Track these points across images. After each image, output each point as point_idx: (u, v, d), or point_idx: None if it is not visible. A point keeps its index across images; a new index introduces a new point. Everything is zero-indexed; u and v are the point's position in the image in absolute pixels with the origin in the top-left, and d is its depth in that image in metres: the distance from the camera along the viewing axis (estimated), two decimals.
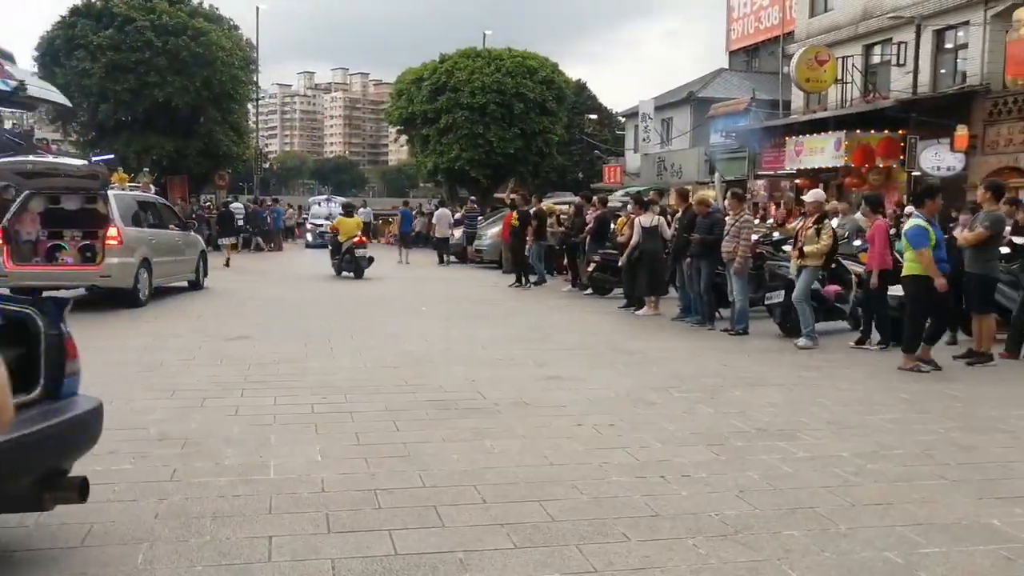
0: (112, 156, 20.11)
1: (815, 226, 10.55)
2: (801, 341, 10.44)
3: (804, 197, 12.32)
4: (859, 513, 4.67)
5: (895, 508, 4.76)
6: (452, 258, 26.03)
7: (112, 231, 13.04)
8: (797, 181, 25.24)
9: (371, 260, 19.41)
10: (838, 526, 4.47)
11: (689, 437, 6.16)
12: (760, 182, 28.54)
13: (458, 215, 28.23)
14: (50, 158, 14.88)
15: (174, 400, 6.99)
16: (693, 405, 7.18)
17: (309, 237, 34.04)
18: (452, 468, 5.31)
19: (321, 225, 32.77)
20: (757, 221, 14.79)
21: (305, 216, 39.63)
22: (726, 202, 13.05)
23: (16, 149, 45.00)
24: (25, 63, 37.43)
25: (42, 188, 13.54)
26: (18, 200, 13.46)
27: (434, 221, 27.34)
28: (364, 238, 20.06)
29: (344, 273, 19.34)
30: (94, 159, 16.08)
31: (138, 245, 13.54)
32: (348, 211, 21.68)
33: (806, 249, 10.53)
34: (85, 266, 13.21)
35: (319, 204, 38.93)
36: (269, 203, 35.47)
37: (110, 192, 13.76)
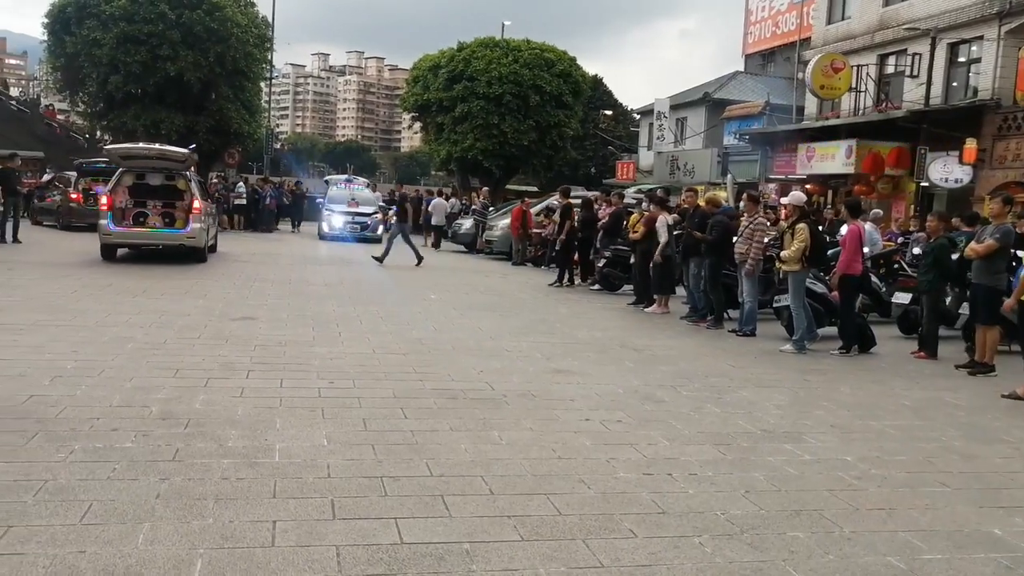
0: (195, 146, 20.86)
1: (791, 229, 10.54)
2: (785, 346, 10.43)
3: (783, 199, 12.28)
4: (863, 517, 4.68)
5: (898, 513, 4.78)
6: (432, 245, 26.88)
7: (196, 203, 16.70)
8: (808, 186, 25.18)
9: None
10: (842, 529, 4.48)
11: (696, 436, 6.14)
12: (771, 185, 28.48)
13: (474, 205, 28.26)
14: (156, 145, 18.68)
15: (178, 379, 6.96)
16: (700, 404, 7.16)
17: (325, 226, 27.54)
18: (459, 458, 5.29)
19: (344, 213, 27.56)
20: (768, 224, 14.74)
21: (320, 199, 32.38)
22: (741, 204, 13.00)
23: (22, 117, 45.11)
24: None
25: (133, 167, 17.14)
26: (115, 176, 17.25)
27: (430, 209, 28.02)
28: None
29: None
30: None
31: (206, 215, 17.60)
32: None
33: (782, 254, 10.53)
34: (177, 229, 16.62)
35: (339, 186, 30.77)
36: (292, 186, 35.44)
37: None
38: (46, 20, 34.77)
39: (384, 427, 5.88)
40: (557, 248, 17.64)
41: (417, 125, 47.11)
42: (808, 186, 25.33)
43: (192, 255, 16.74)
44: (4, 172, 20.30)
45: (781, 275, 11.07)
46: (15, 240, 19.29)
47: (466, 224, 26.55)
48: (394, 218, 20.66)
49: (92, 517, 4.08)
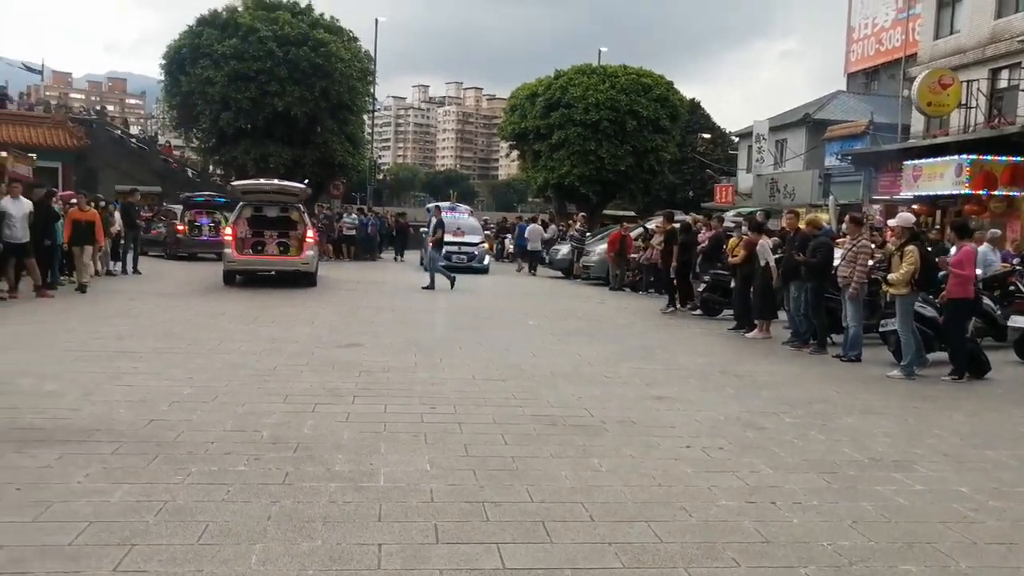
0: (307, 180, 22.42)
1: (899, 251, 10.19)
2: (893, 372, 10.08)
3: (891, 221, 11.87)
4: (980, 552, 4.49)
5: (1020, 548, 4.59)
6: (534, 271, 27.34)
7: (310, 232, 18.74)
8: (914, 207, 24.33)
9: None
10: (958, 564, 4.31)
11: (800, 463, 6.01)
12: (876, 207, 27.64)
13: (571, 231, 28.33)
14: (276, 181, 20.52)
15: (287, 404, 7.20)
16: (804, 431, 7.00)
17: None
18: (560, 484, 5.31)
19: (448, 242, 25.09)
20: (873, 246, 14.32)
21: (423, 229, 30.15)
22: (843, 226, 12.68)
23: (141, 154, 47.49)
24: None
25: (253, 201, 19.15)
26: (236, 209, 19.28)
27: (526, 235, 28.45)
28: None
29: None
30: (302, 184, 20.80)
31: (316, 243, 19.47)
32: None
33: (889, 277, 10.19)
34: (291, 256, 18.52)
35: (444, 215, 29.78)
36: (395, 216, 36.27)
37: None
38: (163, 61, 36.69)
39: (485, 452, 5.96)
40: (671, 275, 16.90)
41: (514, 153, 47.60)
42: (915, 206, 24.47)
43: (305, 279, 18.39)
44: (125, 206, 21.46)
45: (888, 298, 10.73)
46: (135, 271, 20.33)
47: (563, 250, 26.62)
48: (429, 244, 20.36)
49: (208, 537, 4.26)
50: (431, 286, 19.02)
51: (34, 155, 27.52)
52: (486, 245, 27.05)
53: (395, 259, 32.13)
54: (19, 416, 6.42)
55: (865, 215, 17.33)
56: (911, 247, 10.10)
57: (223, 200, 28.26)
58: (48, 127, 37.70)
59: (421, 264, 26.57)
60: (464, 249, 25.95)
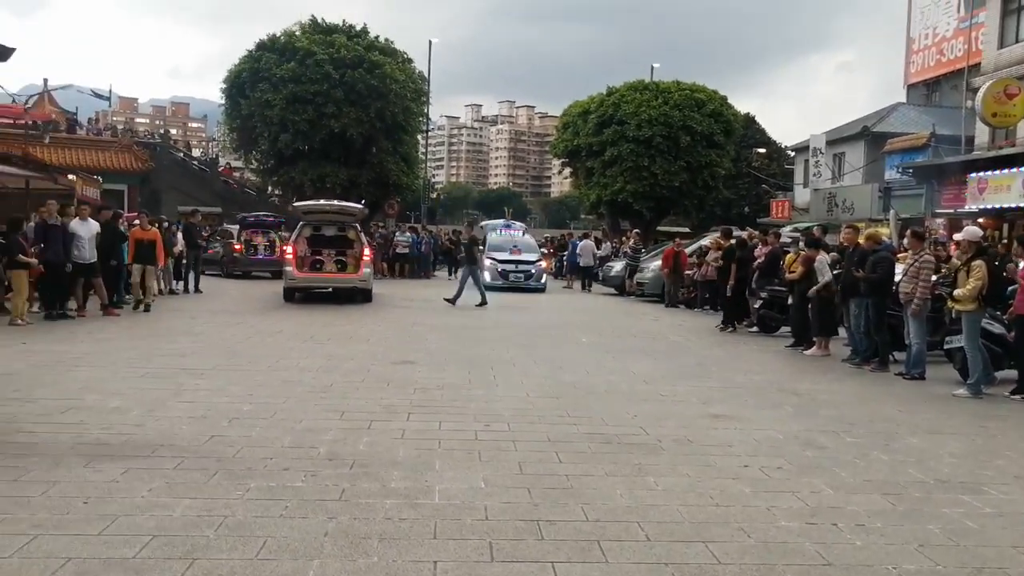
0: (364, 201, 23.30)
1: (966, 266, 9.92)
2: (959, 390, 9.81)
3: (957, 235, 11.58)
4: None
5: None
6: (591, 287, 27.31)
7: (366, 251, 19.59)
8: (980, 220, 23.73)
9: None
10: None
11: (862, 484, 5.88)
12: (939, 221, 27.01)
13: (625, 248, 28.22)
14: (336, 201, 21.74)
15: (344, 421, 7.28)
16: (866, 451, 6.85)
17: (487, 276, 23.74)
18: (615, 503, 5.27)
19: (507, 261, 25.34)
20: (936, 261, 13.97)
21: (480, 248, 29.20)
22: (904, 241, 12.41)
23: (203, 176, 48.89)
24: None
25: (312, 220, 20.16)
26: (297, 229, 20.30)
27: (579, 251, 28.32)
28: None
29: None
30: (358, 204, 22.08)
31: (372, 261, 20.61)
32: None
33: (956, 293, 9.92)
34: (349, 274, 19.30)
35: (499, 232, 28.54)
36: (449, 234, 36.54)
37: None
38: (224, 85, 37.65)
39: (539, 471, 5.94)
40: (728, 292, 16.61)
41: (567, 170, 47.70)
42: (981, 220, 23.87)
43: (361, 296, 19.16)
44: (187, 227, 21.96)
45: (954, 315, 10.46)
46: (197, 290, 20.77)
47: (616, 266, 26.49)
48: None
49: (267, 553, 4.31)
50: (483, 302, 19.19)
51: (101, 178, 28.40)
52: (543, 263, 26.40)
53: (449, 277, 32.27)
54: (86, 432, 6.59)
55: (927, 229, 16.95)
56: (979, 262, 9.85)
57: (278, 220, 29.34)
58: (115, 151, 38.87)
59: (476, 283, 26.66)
60: (521, 268, 25.37)
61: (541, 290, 24.84)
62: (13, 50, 24.43)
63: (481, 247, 25.41)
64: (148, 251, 16.48)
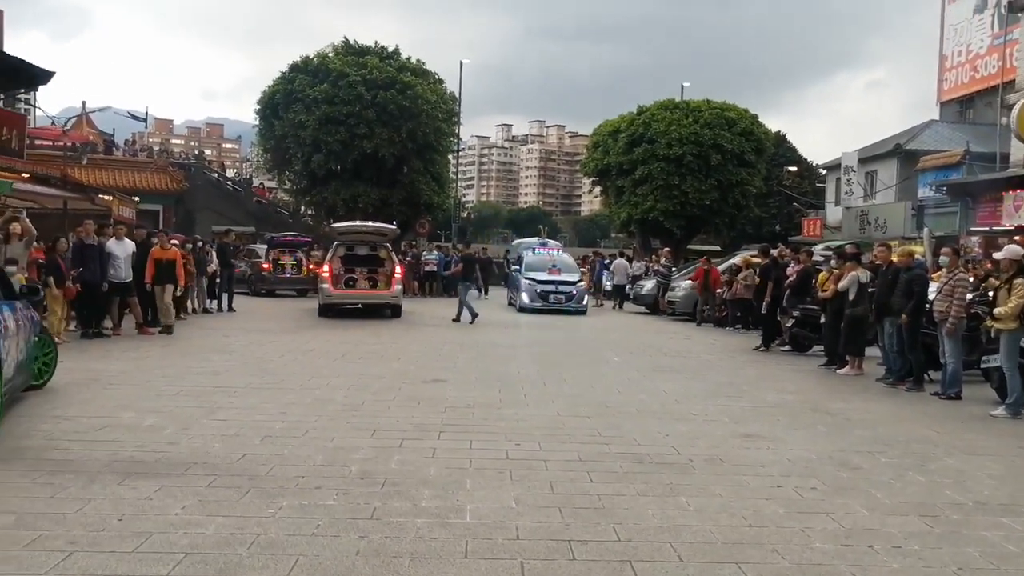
0: (396, 222, 24.14)
1: (1006, 285, 9.76)
2: (997, 410, 9.63)
3: (997, 254, 11.39)
4: None
5: None
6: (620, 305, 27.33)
7: (398, 269, 20.96)
8: (1016, 238, 23.39)
9: None
10: None
11: (899, 506, 5.79)
12: (974, 239, 26.65)
13: (656, 266, 28.12)
14: (370, 223, 22.90)
15: (375, 440, 7.30)
16: (902, 472, 6.74)
17: (525, 297, 23.60)
18: (647, 523, 5.23)
19: (546, 281, 23.75)
20: (972, 279, 13.74)
21: (514, 266, 29.14)
22: (940, 259, 12.24)
23: (236, 195, 49.67)
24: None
25: (346, 240, 21.21)
26: (332, 249, 21.28)
27: (612, 269, 28.36)
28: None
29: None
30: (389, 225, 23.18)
31: (403, 278, 22.02)
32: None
33: (996, 311, 9.75)
34: (381, 291, 20.46)
35: (535, 251, 27.05)
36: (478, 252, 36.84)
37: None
38: (258, 107, 38.14)
39: (570, 490, 5.92)
40: (764, 311, 16.35)
41: (597, 189, 47.71)
42: (1017, 238, 23.53)
43: (392, 311, 20.36)
44: (221, 246, 22.23)
45: (992, 333, 10.28)
46: (230, 309, 20.99)
47: (648, 285, 26.36)
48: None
49: (299, 571, 4.32)
50: (457, 319, 19.67)
51: (137, 198, 28.84)
52: (584, 284, 24.75)
53: (478, 296, 31.85)
54: (121, 449, 6.67)
55: (963, 247, 16.71)
56: (1020, 280, 9.69)
57: (304, 239, 30.36)
58: (151, 171, 39.48)
59: (511, 303, 25.66)
60: (561, 289, 23.68)
61: (583, 312, 23.56)
62: (52, 74, 24.98)
63: (517, 266, 25.03)
64: (167, 271, 15.88)
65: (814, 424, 8.74)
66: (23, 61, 24.17)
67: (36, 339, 8.87)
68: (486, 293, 31.60)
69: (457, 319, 19.60)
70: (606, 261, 31.29)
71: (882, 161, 36.81)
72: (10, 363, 7.47)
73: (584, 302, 24.15)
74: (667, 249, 32.09)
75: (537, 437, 7.57)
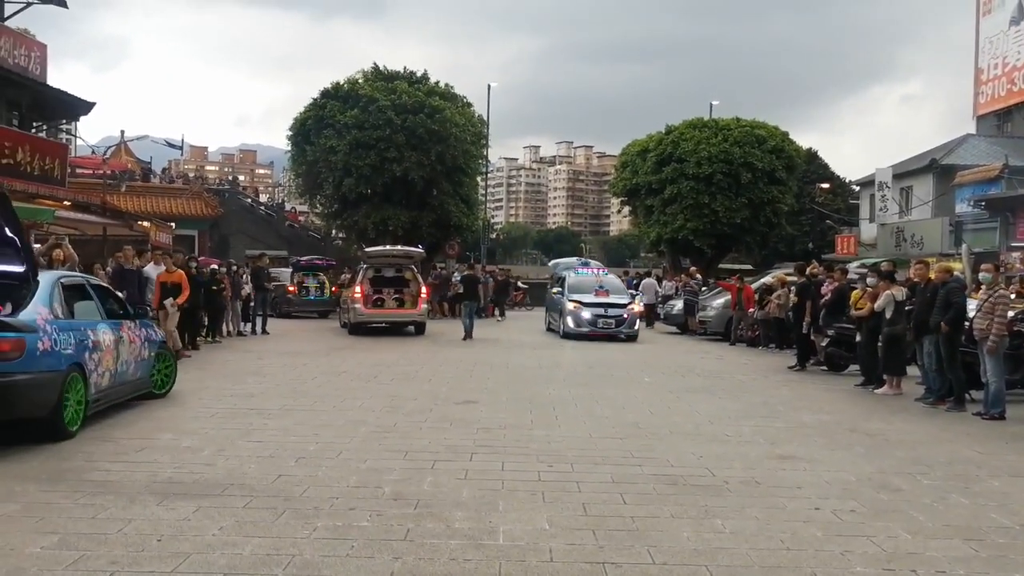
0: (421, 245, 25.33)
1: None
2: None
3: None
4: None
5: None
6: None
7: (423, 289, 22.37)
8: None
9: None
10: None
11: (942, 529, 5.69)
12: (1015, 255, 26.25)
13: (687, 286, 27.98)
14: (399, 247, 24.12)
15: (407, 461, 7.32)
16: (944, 494, 6.62)
17: (570, 322, 21.54)
18: (682, 546, 5.19)
19: (594, 304, 21.58)
20: (1014, 296, 13.51)
21: (554, 288, 25.20)
22: (981, 275, 12.05)
23: (269, 220, 50.18)
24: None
25: (375, 263, 22.61)
26: (361, 271, 22.55)
27: (640, 289, 28.34)
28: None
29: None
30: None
31: (428, 298, 23.64)
32: None
33: None
34: (408, 310, 21.90)
35: (578, 271, 24.68)
36: (500, 272, 36.97)
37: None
38: (290, 133, 38.60)
39: (604, 512, 5.89)
40: (803, 330, 16.06)
41: (626, 209, 47.60)
42: None
43: (417, 328, 21.74)
44: (255, 270, 22.48)
45: None
46: (264, 332, 21.19)
47: (678, 304, 26.21)
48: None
49: None
50: (467, 336, 20.73)
51: (173, 224, 29.31)
52: (635, 307, 22.55)
53: (498, 319, 30.21)
54: (160, 470, 6.75)
55: (1003, 263, 16.46)
56: None
57: (328, 263, 32.15)
58: (186, 198, 40.16)
59: (549, 328, 24.20)
60: (611, 312, 21.49)
61: (634, 338, 21.56)
62: (93, 105, 25.58)
63: (558, 288, 23.48)
64: (172, 295, 15.21)
65: (852, 445, 8.62)
66: (65, 93, 24.69)
67: (154, 354, 10.37)
68: (502, 315, 31.12)
69: (467, 337, 20.67)
70: (633, 281, 31.20)
71: (917, 176, 36.43)
72: (102, 373, 8.68)
73: (636, 327, 22.03)
74: (693, 268, 31.91)
75: (569, 458, 7.54)
